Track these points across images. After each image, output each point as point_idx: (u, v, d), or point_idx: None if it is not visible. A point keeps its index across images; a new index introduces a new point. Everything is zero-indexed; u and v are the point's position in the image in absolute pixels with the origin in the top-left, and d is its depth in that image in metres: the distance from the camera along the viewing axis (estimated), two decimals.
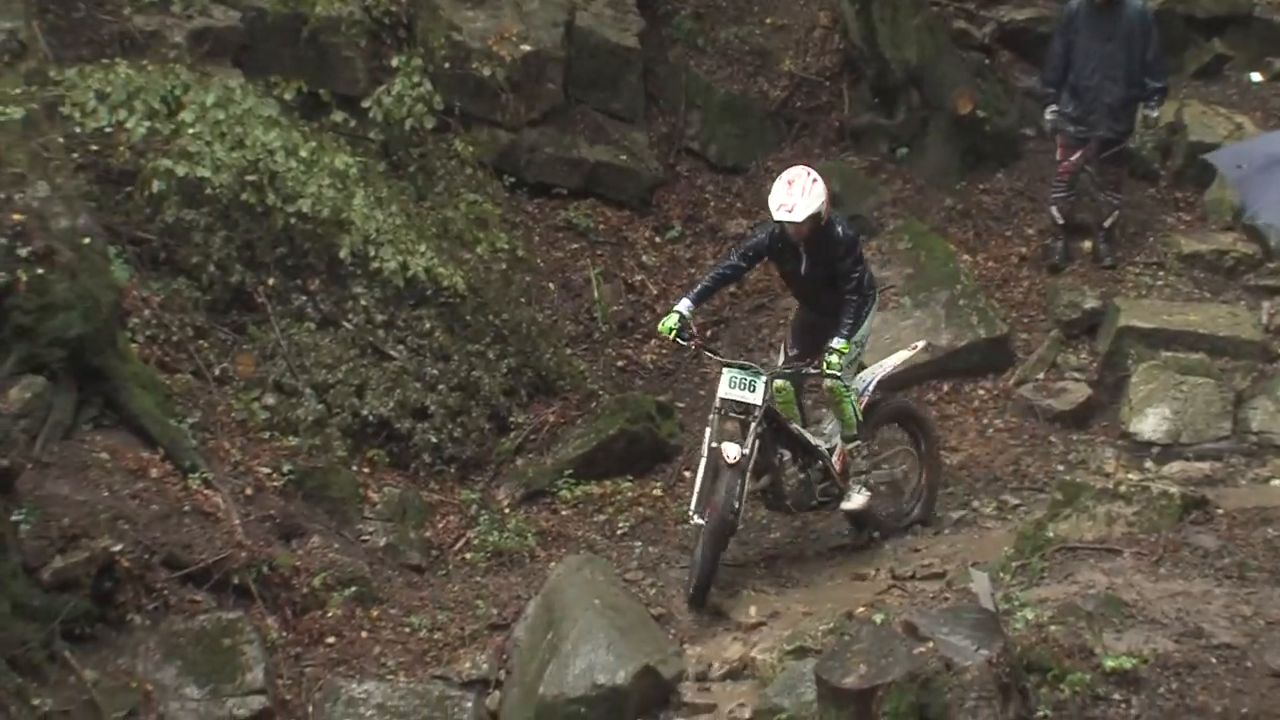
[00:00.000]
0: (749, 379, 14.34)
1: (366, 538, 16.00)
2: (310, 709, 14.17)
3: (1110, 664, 10.97)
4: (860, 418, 15.17)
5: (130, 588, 13.99)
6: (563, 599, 14.39)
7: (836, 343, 14.35)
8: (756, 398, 14.27)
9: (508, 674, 14.46)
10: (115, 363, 15.32)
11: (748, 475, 14.48)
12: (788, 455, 15.09)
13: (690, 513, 14.46)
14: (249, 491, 15.51)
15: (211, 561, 14.49)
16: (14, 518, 13.43)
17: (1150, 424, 17.03)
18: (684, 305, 14.64)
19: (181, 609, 14.22)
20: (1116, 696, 10.83)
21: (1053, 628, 11.55)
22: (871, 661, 10.97)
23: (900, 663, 10.87)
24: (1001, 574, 13.11)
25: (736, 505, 14.39)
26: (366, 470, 16.67)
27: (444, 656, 14.77)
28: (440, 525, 16.49)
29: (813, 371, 14.72)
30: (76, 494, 14.32)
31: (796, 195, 14.20)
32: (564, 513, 16.70)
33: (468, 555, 16.15)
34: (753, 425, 14.29)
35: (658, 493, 17.07)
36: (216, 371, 16.56)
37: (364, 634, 14.92)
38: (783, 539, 16.21)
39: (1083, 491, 14.24)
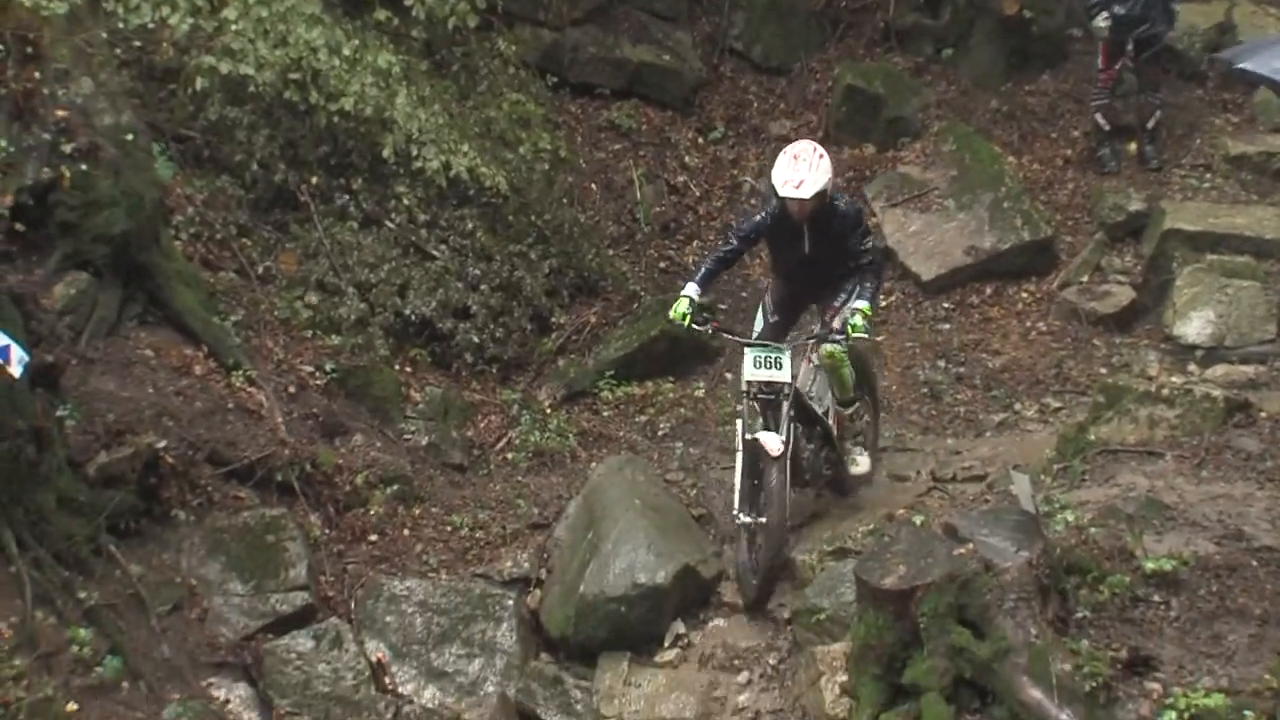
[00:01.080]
0: (773, 356, 13.33)
1: (408, 437, 16.20)
2: (353, 605, 14.44)
3: (1150, 566, 11.04)
4: (856, 379, 14.22)
5: (175, 484, 14.24)
6: (603, 499, 14.53)
7: (860, 304, 13.35)
8: (785, 375, 13.30)
9: (549, 572, 14.65)
10: (159, 260, 15.52)
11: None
12: (800, 428, 13.80)
13: (735, 512, 13.63)
14: (292, 389, 15.73)
15: (255, 458, 14.76)
16: (59, 413, 13.66)
17: (1194, 327, 16.99)
18: (692, 290, 13.47)
19: (225, 505, 14.52)
20: (1156, 598, 10.91)
21: (1093, 530, 11.63)
22: (911, 562, 11.11)
23: (939, 564, 11.01)
24: (1042, 476, 13.17)
25: (789, 497, 13.48)
26: (409, 369, 16.85)
27: (485, 555, 15.00)
28: (482, 425, 16.65)
29: (838, 337, 13.50)
30: (121, 390, 14.52)
31: (804, 171, 13.20)
32: (605, 413, 16.84)
33: (509, 455, 16.31)
34: (785, 405, 13.35)
35: (699, 394, 17.16)
36: (260, 270, 16.75)
37: (406, 532, 15.15)
38: None
39: (1125, 394, 14.30)
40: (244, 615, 14.04)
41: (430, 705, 14.05)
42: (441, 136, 17.44)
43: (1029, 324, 17.90)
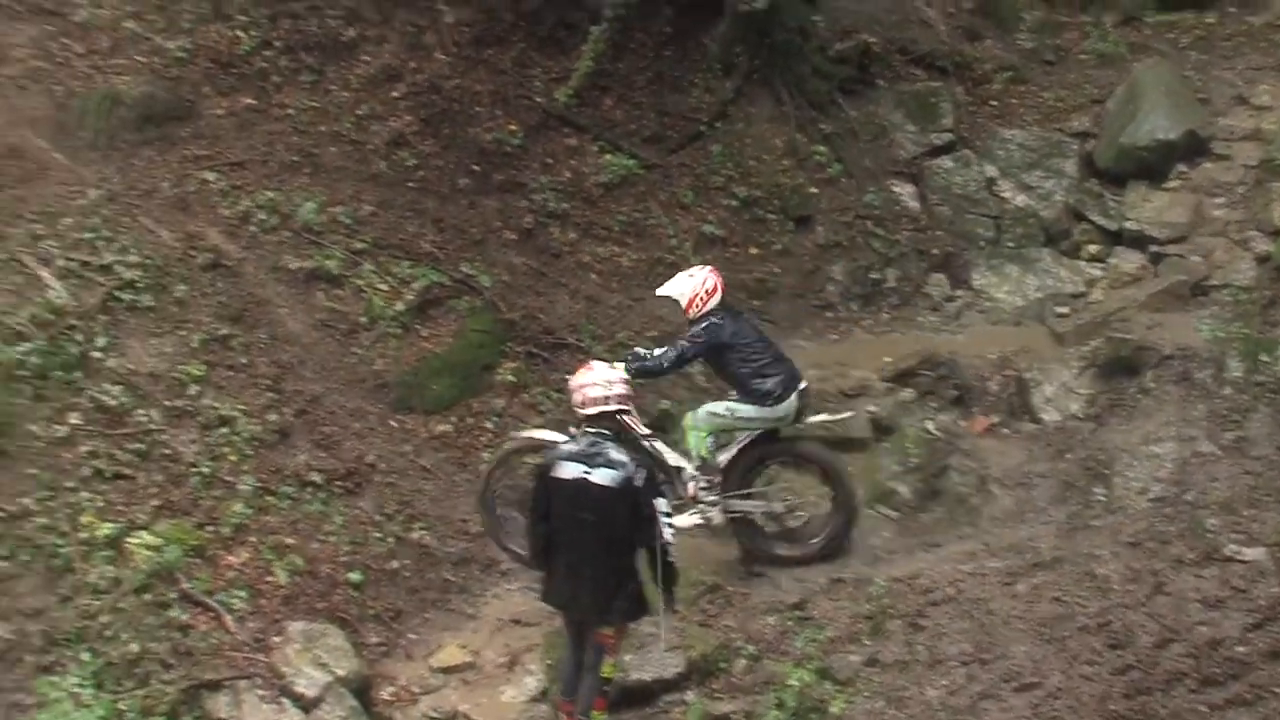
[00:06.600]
0: None
1: (1019, 42, 15.54)
2: (977, 143, 14.39)
3: None
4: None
5: (878, 64, 14.41)
6: (1141, 84, 14.13)
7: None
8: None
9: (1100, 130, 14.27)
10: None
11: None
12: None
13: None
14: (950, 11, 15.38)
15: (926, 51, 14.68)
16: (814, 18, 13.95)
17: None
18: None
19: (906, 79, 14.57)
20: None
21: None
22: None
23: None
24: None
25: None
26: (1027, 4, 16.03)
27: (1061, 116, 14.63)
28: (1066, 36, 15.71)
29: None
30: (848, 6, 14.60)
31: (673, 279, 9.64)
32: (1146, 32, 15.90)
33: (1081, 57, 15.58)
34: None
35: (1210, 21, 15.94)
36: None
37: (1013, 101, 14.86)
38: None
39: None
40: (913, 144, 14.20)
41: (1020, 205, 14.00)
42: None
43: None
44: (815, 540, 9.66)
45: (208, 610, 8.50)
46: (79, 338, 9.41)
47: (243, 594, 8.66)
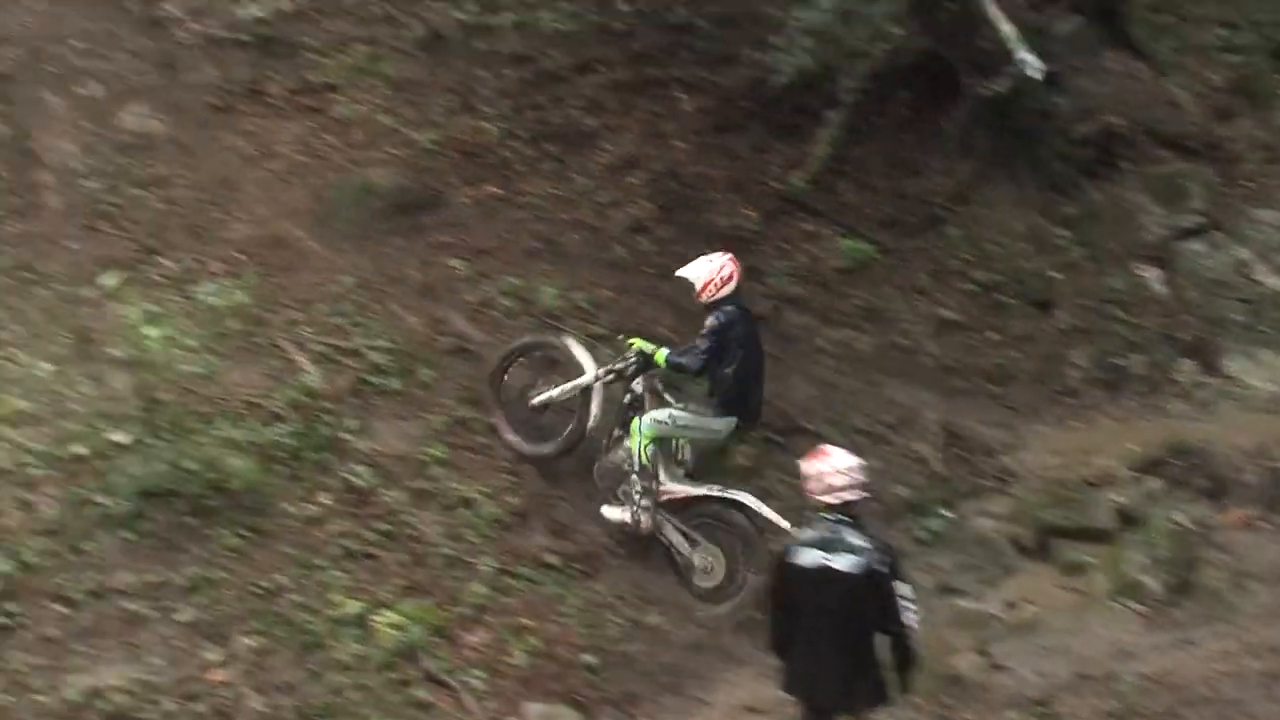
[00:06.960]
0: None
1: (1276, 120, 14.72)
2: (1229, 224, 13.81)
3: None
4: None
5: (1123, 146, 14.04)
6: None
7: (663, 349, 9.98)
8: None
9: None
10: (1125, 9, 14.85)
11: None
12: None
13: None
14: (1202, 92, 14.87)
15: (1175, 132, 14.25)
16: (1056, 100, 13.68)
17: None
18: None
19: (1154, 160, 14.12)
20: None
21: None
22: None
23: None
24: None
25: None
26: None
27: None
28: None
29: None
30: (1092, 87, 14.32)
31: (694, 262, 10.00)
32: None
33: None
34: None
35: None
36: None
37: (1269, 181, 14.18)
38: None
39: None
40: (1159, 227, 13.75)
41: (1277, 289, 13.45)
42: None
43: None
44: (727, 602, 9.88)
45: (448, 689, 8.64)
46: (330, 419, 9.77)
47: (481, 674, 8.77)
